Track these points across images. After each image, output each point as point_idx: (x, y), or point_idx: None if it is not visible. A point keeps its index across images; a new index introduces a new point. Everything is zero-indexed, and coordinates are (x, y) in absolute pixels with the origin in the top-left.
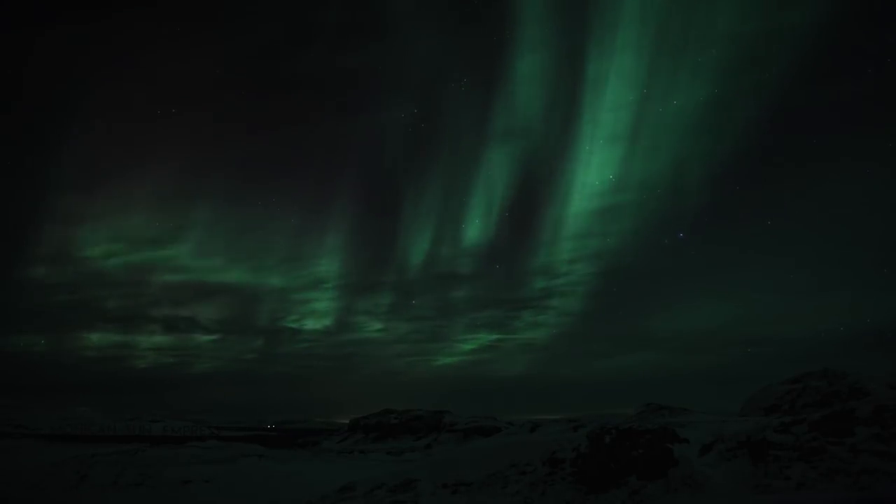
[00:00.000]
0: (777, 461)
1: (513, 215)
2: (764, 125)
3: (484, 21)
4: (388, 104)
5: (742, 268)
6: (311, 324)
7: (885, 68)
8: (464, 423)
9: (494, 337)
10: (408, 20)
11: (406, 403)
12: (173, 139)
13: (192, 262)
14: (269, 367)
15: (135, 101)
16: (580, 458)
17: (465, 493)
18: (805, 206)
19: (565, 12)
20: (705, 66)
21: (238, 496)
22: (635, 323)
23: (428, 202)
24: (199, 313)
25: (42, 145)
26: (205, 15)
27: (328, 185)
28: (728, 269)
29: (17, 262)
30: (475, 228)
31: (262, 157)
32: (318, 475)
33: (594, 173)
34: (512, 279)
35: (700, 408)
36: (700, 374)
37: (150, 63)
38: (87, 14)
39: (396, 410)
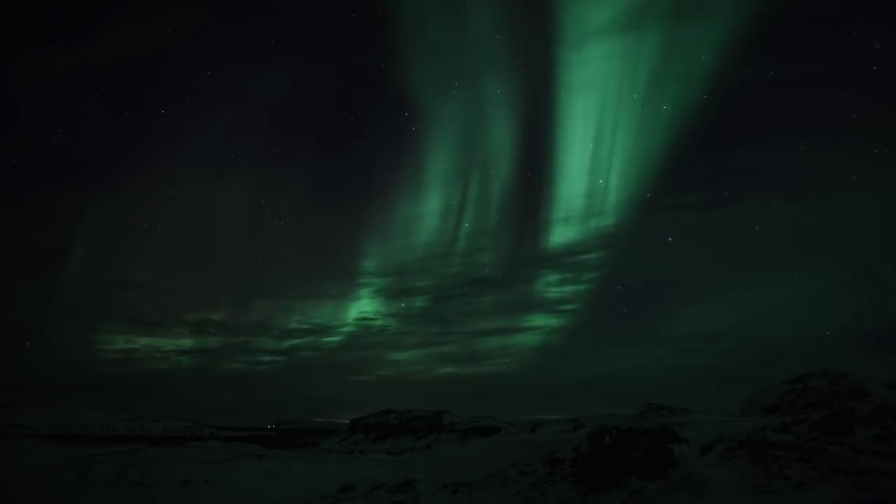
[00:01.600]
0: (777, 461)
1: (513, 216)
2: (762, 124)
3: (479, 23)
4: (382, 104)
5: (742, 269)
6: (311, 324)
7: (886, 67)
8: (464, 423)
9: (494, 337)
10: (406, 23)
11: (406, 403)
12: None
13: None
14: (269, 367)
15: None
16: (580, 458)
17: (465, 494)
18: (805, 206)
19: (556, 11)
20: (703, 65)
21: (238, 496)
22: (636, 323)
23: (425, 202)
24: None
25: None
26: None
27: (327, 186)
28: (728, 270)
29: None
30: (475, 230)
31: (264, 164)
32: (318, 475)
33: (594, 173)
34: (512, 279)
35: (700, 408)
36: (700, 374)
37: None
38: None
39: (396, 410)
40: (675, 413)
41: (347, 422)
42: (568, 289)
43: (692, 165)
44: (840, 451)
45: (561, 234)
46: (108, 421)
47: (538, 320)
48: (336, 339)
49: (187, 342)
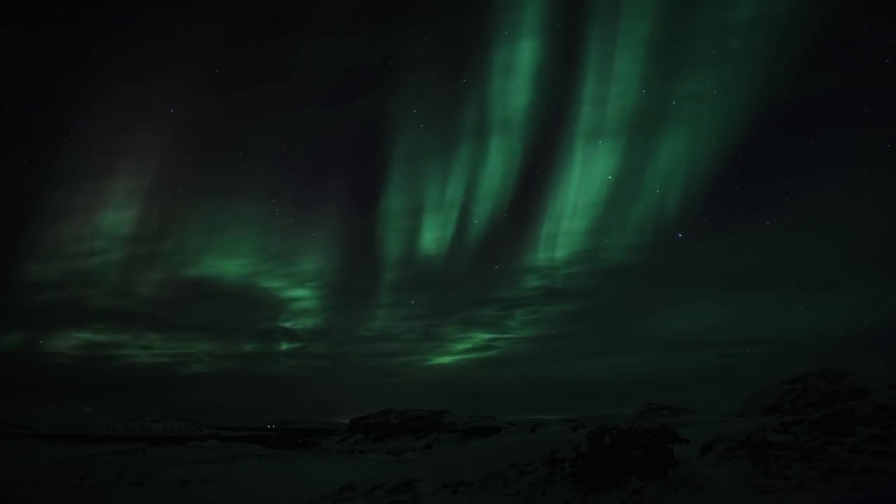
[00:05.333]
0: (777, 461)
1: (512, 215)
2: (763, 124)
3: (479, 16)
4: (384, 100)
5: (742, 268)
6: (308, 323)
7: (885, 65)
8: (464, 423)
9: (493, 337)
10: (401, 15)
11: (406, 403)
12: (160, 134)
13: (189, 260)
14: (269, 367)
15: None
16: (580, 458)
17: (465, 494)
18: (804, 206)
19: (563, 6)
20: (705, 64)
21: (238, 496)
22: (635, 323)
23: (427, 202)
24: (196, 313)
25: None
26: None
27: (321, 182)
28: (728, 269)
29: (3, 260)
30: (473, 228)
31: (255, 151)
32: (318, 475)
33: (594, 173)
34: (511, 279)
35: (700, 408)
36: (700, 374)
37: (143, 59)
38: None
39: (396, 410)
40: (675, 413)
41: (347, 422)
42: (569, 289)
43: (692, 163)
44: (840, 451)
45: (563, 235)
46: (108, 421)
47: (539, 320)
48: (312, 335)
49: (202, 345)
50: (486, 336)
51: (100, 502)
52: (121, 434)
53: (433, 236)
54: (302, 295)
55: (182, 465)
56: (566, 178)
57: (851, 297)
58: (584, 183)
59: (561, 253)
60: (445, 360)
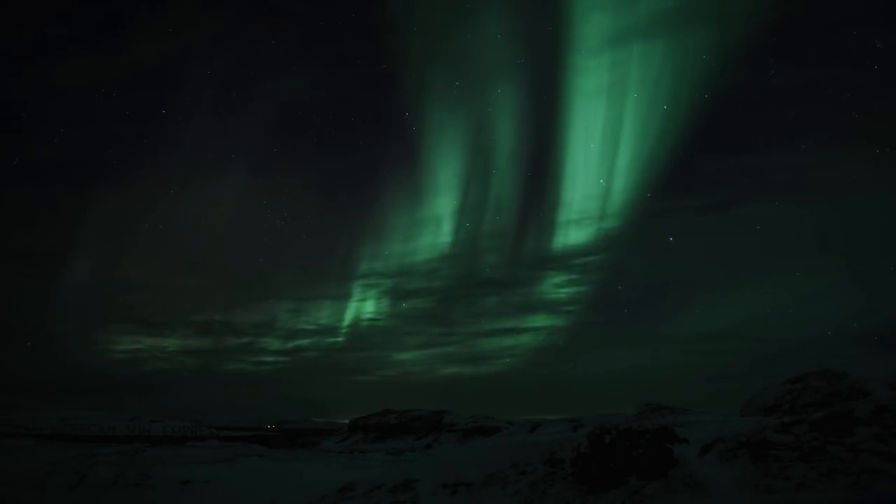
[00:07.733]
0: (777, 461)
1: (513, 216)
2: (763, 125)
3: (477, 21)
4: (384, 105)
5: (742, 268)
6: (311, 324)
7: (886, 68)
8: (464, 423)
9: (494, 337)
10: (406, 23)
11: (406, 403)
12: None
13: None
14: (269, 367)
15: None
16: (580, 458)
17: (465, 494)
18: (805, 207)
19: (557, 12)
20: (703, 67)
21: (238, 496)
22: (636, 323)
23: (428, 203)
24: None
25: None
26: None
27: (325, 184)
28: (728, 270)
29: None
30: (475, 230)
31: (258, 158)
32: (318, 475)
33: (595, 174)
34: (512, 279)
35: (700, 408)
36: (700, 374)
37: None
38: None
39: (396, 410)
40: (675, 413)
41: (347, 422)
42: (569, 289)
43: (694, 167)
44: (840, 451)
45: (562, 235)
46: (108, 421)
47: (539, 321)
48: (338, 339)
49: (192, 343)
50: (492, 337)
51: (100, 502)
52: (121, 434)
53: (436, 241)
54: None
55: (182, 465)
56: (568, 182)
57: (851, 296)
58: (586, 186)
59: (562, 255)
60: (449, 360)
